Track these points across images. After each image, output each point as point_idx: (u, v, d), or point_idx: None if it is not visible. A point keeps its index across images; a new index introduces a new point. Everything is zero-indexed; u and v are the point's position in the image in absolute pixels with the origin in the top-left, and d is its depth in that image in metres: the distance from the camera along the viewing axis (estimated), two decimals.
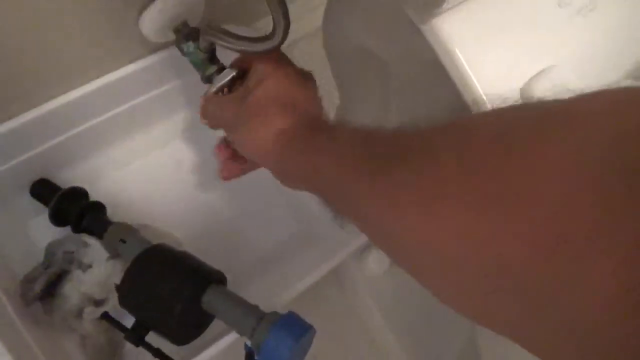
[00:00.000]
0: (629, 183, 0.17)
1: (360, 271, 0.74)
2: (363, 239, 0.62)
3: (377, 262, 0.74)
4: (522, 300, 0.20)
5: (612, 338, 0.17)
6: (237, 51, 0.43)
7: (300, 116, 0.38)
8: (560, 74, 0.32)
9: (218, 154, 0.48)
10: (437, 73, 0.43)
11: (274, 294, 0.56)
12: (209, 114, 0.45)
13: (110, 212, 0.59)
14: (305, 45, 0.91)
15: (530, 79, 0.32)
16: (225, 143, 0.48)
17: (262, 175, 0.69)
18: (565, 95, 0.25)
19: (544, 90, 0.32)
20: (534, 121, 0.23)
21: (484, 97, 0.31)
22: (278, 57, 0.42)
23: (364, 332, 0.77)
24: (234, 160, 0.47)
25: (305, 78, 0.42)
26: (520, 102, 0.27)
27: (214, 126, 0.45)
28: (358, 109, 0.64)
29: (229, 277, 0.50)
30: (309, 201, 0.68)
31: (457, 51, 0.31)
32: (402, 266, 0.28)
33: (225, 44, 0.43)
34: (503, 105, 0.25)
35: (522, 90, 0.33)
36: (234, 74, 0.45)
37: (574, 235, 0.18)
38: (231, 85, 0.46)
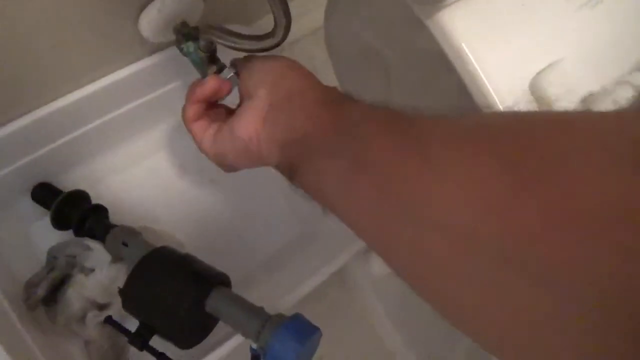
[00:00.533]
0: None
1: (365, 272, 0.73)
2: None
3: (382, 262, 0.73)
4: (529, 277, 0.19)
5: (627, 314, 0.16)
6: (238, 50, 0.43)
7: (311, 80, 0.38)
8: (568, 68, 0.32)
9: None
10: (439, 70, 0.43)
11: (278, 297, 0.55)
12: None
13: (111, 216, 0.59)
14: (306, 45, 0.90)
15: (539, 73, 0.32)
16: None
17: (266, 177, 0.68)
18: (575, 91, 0.25)
19: (553, 84, 0.31)
20: (555, 120, 0.22)
21: (492, 92, 0.30)
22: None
23: (369, 333, 0.76)
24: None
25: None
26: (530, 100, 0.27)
27: None
28: None
29: (232, 279, 0.50)
30: (311, 202, 0.67)
31: (464, 45, 0.31)
32: (397, 242, 0.26)
33: (225, 42, 0.42)
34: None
35: (531, 84, 0.32)
36: (234, 72, 0.44)
37: (589, 214, 0.18)
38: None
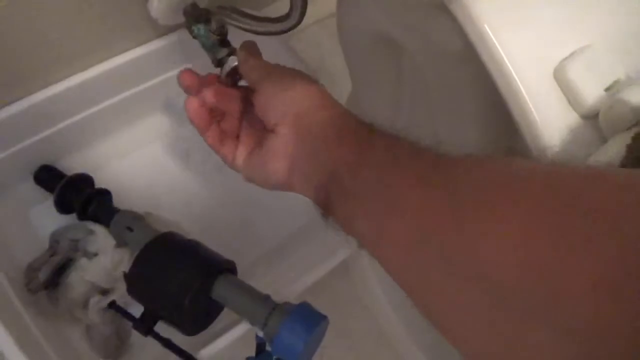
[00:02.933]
0: None
1: (370, 263, 0.73)
2: None
3: None
4: (575, 339, 0.19)
5: None
6: (252, 32, 0.42)
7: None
8: (594, 54, 0.31)
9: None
10: (456, 60, 0.42)
11: (281, 287, 0.55)
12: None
13: (114, 201, 0.58)
14: (313, 33, 0.89)
15: (563, 60, 0.31)
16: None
17: None
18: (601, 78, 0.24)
19: (578, 70, 0.31)
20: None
21: (516, 77, 0.30)
22: None
23: (373, 324, 0.76)
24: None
25: None
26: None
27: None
28: (370, 96, 0.63)
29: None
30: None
31: (488, 30, 0.30)
32: (427, 293, 0.26)
33: (239, 24, 0.41)
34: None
35: (556, 70, 0.31)
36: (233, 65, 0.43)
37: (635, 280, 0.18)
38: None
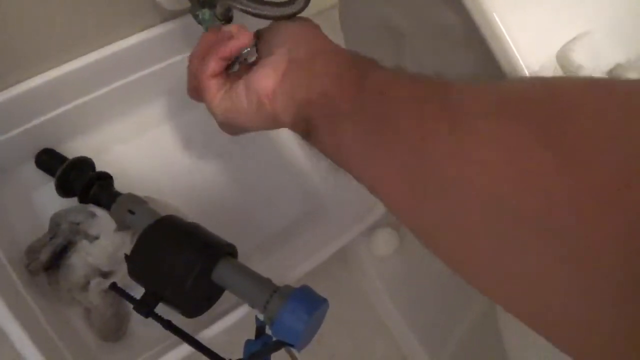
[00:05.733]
0: None
1: (368, 251, 0.73)
2: (372, 219, 0.62)
3: (385, 242, 0.74)
4: (570, 251, 0.19)
5: None
6: (257, 16, 0.42)
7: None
8: (596, 39, 0.32)
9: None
10: (460, 47, 0.43)
11: (280, 274, 0.55)
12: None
13: (115, 186, 0.58)
14: (317, 23, 0.89)
15: (565, 45, 0.32)
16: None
17: (271, 153, 0.68)
18: (602, 62, 0.24)
19: (580, 55, 0.31)
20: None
21: (522, 63, 0.30)
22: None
23: (370, 312, 0.77)
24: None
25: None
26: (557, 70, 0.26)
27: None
28: None
29: None
30: (318, 180, 0.67)
31: (495, 16, 0.30)
32: (421, 205, 0.26)
33: (244, 7, 0.41)
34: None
35: (558, 55, 0.32)
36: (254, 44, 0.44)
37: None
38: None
